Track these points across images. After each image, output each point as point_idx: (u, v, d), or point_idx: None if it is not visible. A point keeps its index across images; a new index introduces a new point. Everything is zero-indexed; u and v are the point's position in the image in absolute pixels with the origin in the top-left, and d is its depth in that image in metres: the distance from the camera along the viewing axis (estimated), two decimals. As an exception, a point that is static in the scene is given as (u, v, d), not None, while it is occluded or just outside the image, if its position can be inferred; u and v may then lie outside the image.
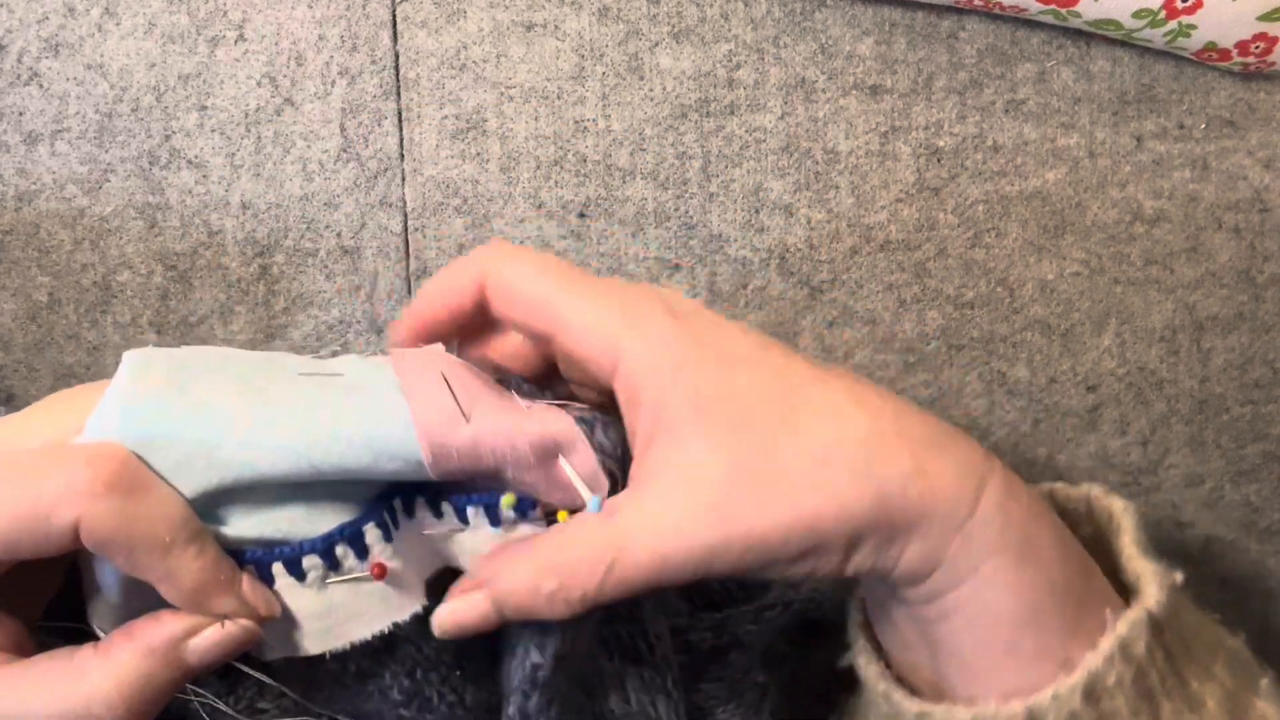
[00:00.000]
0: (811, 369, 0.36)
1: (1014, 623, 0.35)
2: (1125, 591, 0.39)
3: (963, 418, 0.56)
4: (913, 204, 0.55)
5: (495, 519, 0.36)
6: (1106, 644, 0.35)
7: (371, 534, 0.34)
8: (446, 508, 0.36)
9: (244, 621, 0.33)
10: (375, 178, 0.53)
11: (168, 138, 0.52)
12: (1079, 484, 0.45)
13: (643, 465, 0.35)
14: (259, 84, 0.52)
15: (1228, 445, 0.58)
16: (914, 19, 0.54)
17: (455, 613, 0.35)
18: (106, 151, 0.52)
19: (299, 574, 0.34)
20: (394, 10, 0.52)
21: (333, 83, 0.52)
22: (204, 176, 0.52)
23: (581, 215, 0.54)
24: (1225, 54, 0.54)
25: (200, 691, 0.36)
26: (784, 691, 0.46)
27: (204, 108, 0.52)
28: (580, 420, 0.35)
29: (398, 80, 0.53)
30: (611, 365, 0.35)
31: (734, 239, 0.54)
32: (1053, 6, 0.52)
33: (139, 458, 0.32)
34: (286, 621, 0.34)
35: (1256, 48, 0.53)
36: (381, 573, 0.34)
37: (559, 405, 0.36)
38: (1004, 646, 0.35)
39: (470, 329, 0.40)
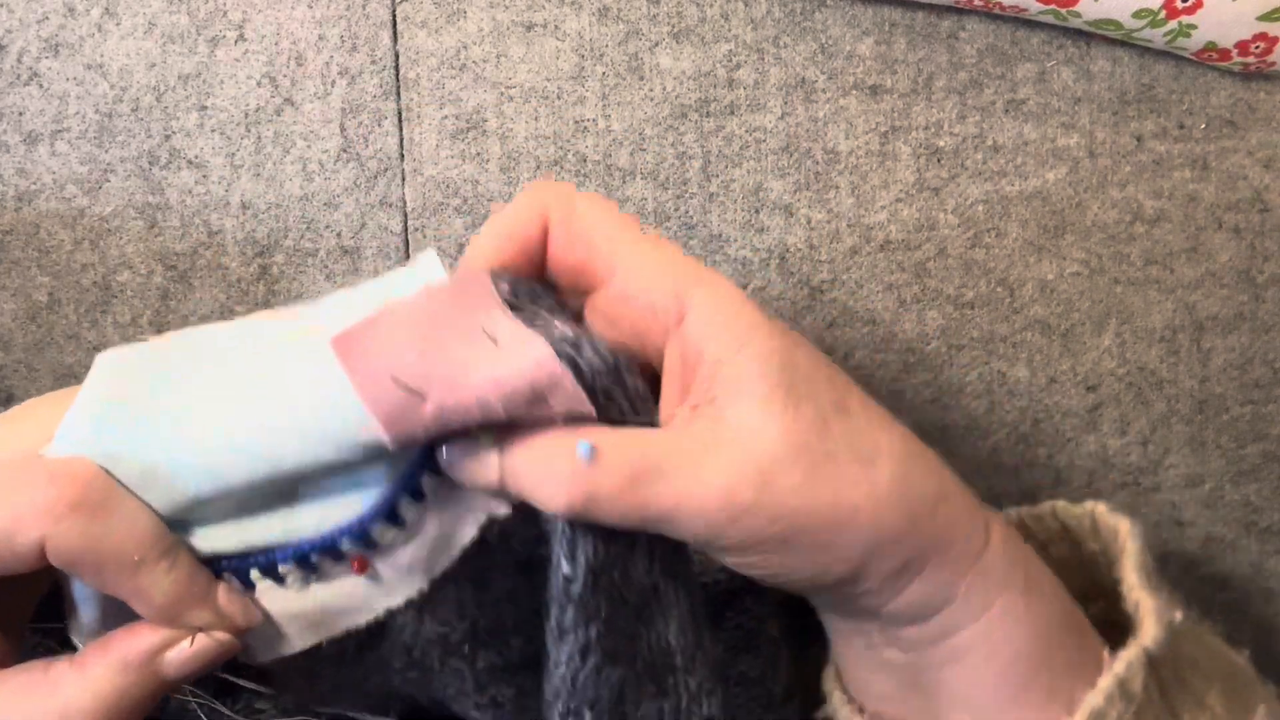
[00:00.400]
0: (850, 379, 0.36)
1: (1029, 659, 0.35)
2: (1124, 618, 0.39)
3: (963, 418, 0.56)
4: (913, 204, 0.55)
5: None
6: (1106, 683, 0.35)
7: (347, 543, 0.33)
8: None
9: (220, 634, 0.32)
10: (375, 178, 0.53)
11: (168, 138, 0.52)
12: (1083, 500, 0.45)
13: (696, 420, 0.34)
14: (259, 84, 0.52)
15: (1228, 445, 0.58)
16: (914, 19, 0.54)
17: (464, 464, 0.33)
18: (106, 151, 0.52)
19: (277, 578, 0.33)
20: (394, 10, 0.52)
21: (333, 83, 0.52)
22: (204, 176, 0.52)
23: (581, 215, 0.54)
24: (1225, 54, 0.54)
25: (198, 692, 0.36)
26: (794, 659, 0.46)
27: (204, 108, 0.52)
28: (563, 342, 0.32)
29: (398, 80, 0.53)
30: (677, 315, 0.34)
31: (734, 239, 0.54)
32: (1053, 6, 0.52)
33: (106, 471, 0.31)
34: (271, 624, 0.33)
35: (1256, 48, 0.53)
36: (362, 567, 0.33)
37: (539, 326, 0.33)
38: (1017, 686, 0.35)
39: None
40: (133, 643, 0.32)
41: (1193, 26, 0.52)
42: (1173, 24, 0.52)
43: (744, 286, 0.54)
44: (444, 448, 0.33)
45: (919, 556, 0.34)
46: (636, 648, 0.38)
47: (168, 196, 0.52)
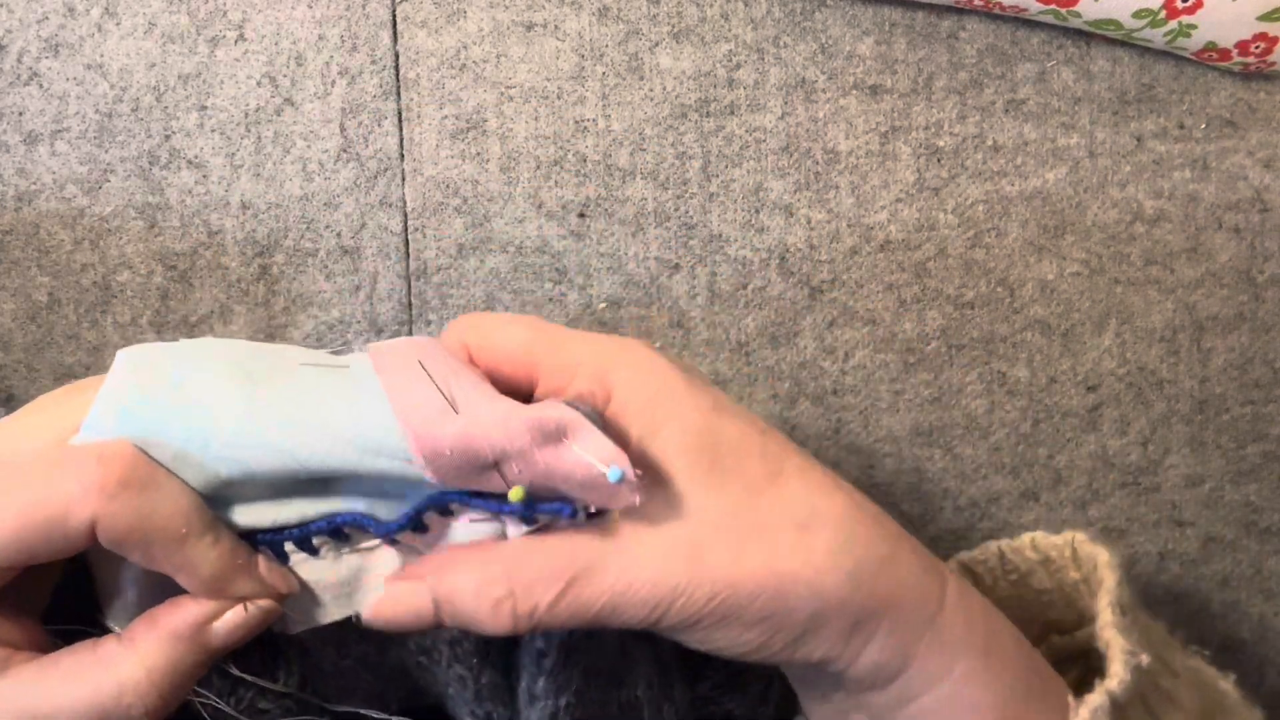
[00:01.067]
0: (790, 443, 0.35)
1: (995, 718, 0.35)
2: (1097, 655, 0.39)
3: (963, 418, 0.56)
4: (913, 204, 0.55)
5: (520, 517, 0.33)
6: None
7: (405, 540, 0.34)
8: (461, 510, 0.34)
9: (264, 601, 0.33)
10: (375, 178, 0.53)
11: (168, 138, 0.52)
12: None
13: None
14: (259, 84, 0.52)
15: (1228, 445, 0.58)
16: (914, 19, 0.54)
17: (390, 601, 0.34)
18: (106, 151, 0.52)
19: (311, 550, 0.34)
20: (394, 10, 0.52)
21: (333, 83, 0.52)
22: (204, 176, 0.52)
23: (581, 215, 0.54)
24: (1225, 54, 0.54)
25: (201, 691, 0.36)
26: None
27: (204, 108, 0.52)
28: (576, 408, 0.33)
29: (398, 80, 0.53)
30: (603, 398, 0.34)
31: (734, 239, 0.54)
32: (1053, 6, 0.52)
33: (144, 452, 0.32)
34: (306, 595, 0.34)
35: (1257, 48, 0.53)
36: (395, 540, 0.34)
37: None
38: None
39: None
40: (180, 615, 0.32)
41: (1193, 26, 0.52)
42: (1173, 24, 0.52)
43: (744, 286, 0.54)
44: (364, 608, 0.34)
45: (868, 620, 0.34)
46: (606, 710, 0.38)
47: (168, 196, 0.52)
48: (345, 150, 0.53)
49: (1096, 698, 0.35)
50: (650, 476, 0.33)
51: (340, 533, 0.33)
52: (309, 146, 0.52)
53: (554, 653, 0.36)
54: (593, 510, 0.32)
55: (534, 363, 0.35)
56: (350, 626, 0.36)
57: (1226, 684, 0.42)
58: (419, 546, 0.34)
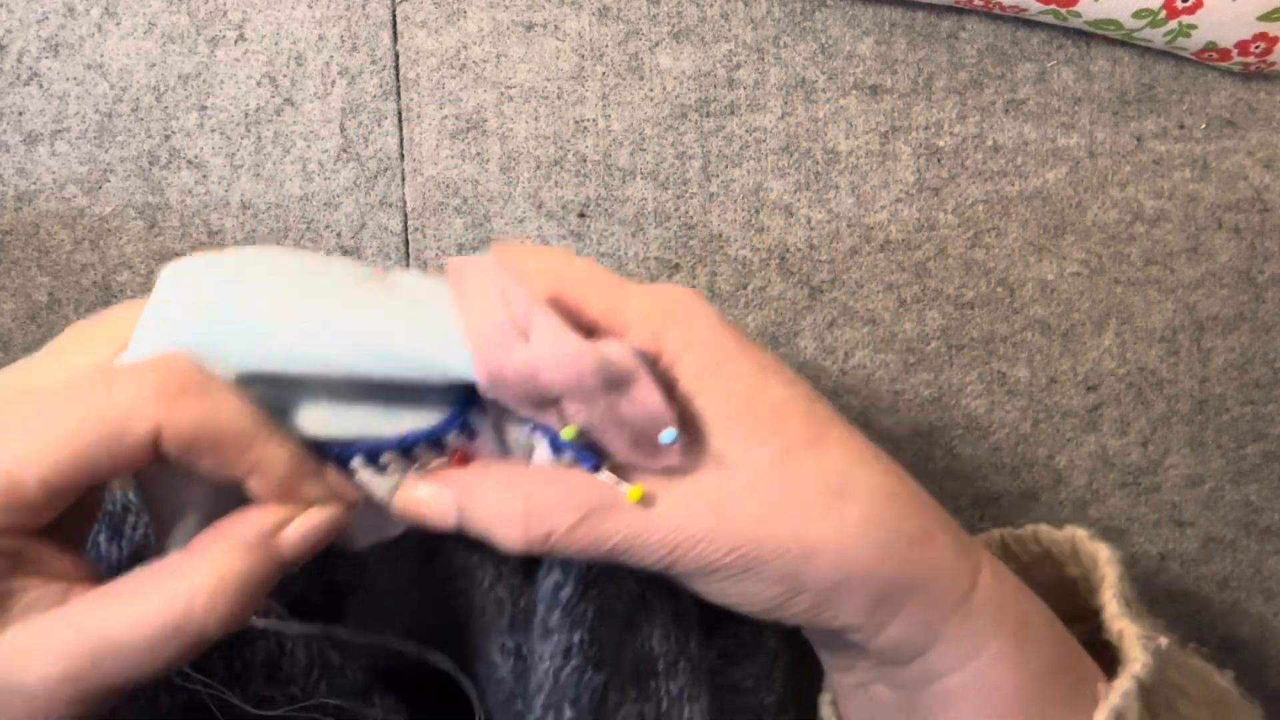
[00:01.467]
0: (836, 413, 0.35)
1: (1023, 702, 0.35)
2: (1106, 644, 0.39)
3: (963, 418, 0.56)
4: (913, 204, 0.55)
5: (556, 449, 0.34)
6: (1102, 716, 0.35)
7: (454, 439, 0.34)
8: (516, 429, 0.34)
9: (333, 508, 0.32)
10: (375, 178, 0.53)
11: (168, 138, 0.52)
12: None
13: None
14: (259, 84, 0.52)
15: (1228, 445, 0.58)
16: (914, 19, 0.54)
17: (419, 499, 0.33)
18: (106, 151, 0.52)
19: (379, 466, 0.33)
20: (394, 10, 0.52)
21: (333, 83, 0.52)
22: (204, 176, 0.52)
23: (581, 215, 0.54)
24: (1225, 54, 0.54)
25: (209, 681, 0.36)
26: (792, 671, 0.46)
27: (204, 108, 0.52)
28: (640, 358, 0.33)
29: (398, 80, 0.53)
30: (655, 351, 0.34)
31: (734, 239, 0.54)
32: (1053, 6, 0.52)
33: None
34: (370, 509, 0.34)
35: (1257, 48, 0.53)
36: (463, 460, 0.34)
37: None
38: None
39: None
40: (248, 524, 0.32)
41: (1193, 26, 0.52)
42: (1173, 24, 0.52)
43: (744, 286, 0.54)
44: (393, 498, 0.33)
45: (894, 595, 0.34)
46: (621, 655, 0.38)
47: (168, 196, 0.52)
48: (345, 150, 0.52)
49: (1124, 682, 0.35)
50: (690, 432, 0.33)
51: (410, 451, 0.33)
52: (309, 146, 0.52)
53: (571, 585, 0.36)
54: (608, 470, 0.33)
55: (583, 303, 0.34)
56: (402, 546, 0.36)
57: (1225, 681, 0.42)
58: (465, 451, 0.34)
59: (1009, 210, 0.55)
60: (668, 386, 0.33)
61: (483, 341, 0.31)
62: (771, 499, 0.33)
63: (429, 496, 0.33)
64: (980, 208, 0.55)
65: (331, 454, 0.33)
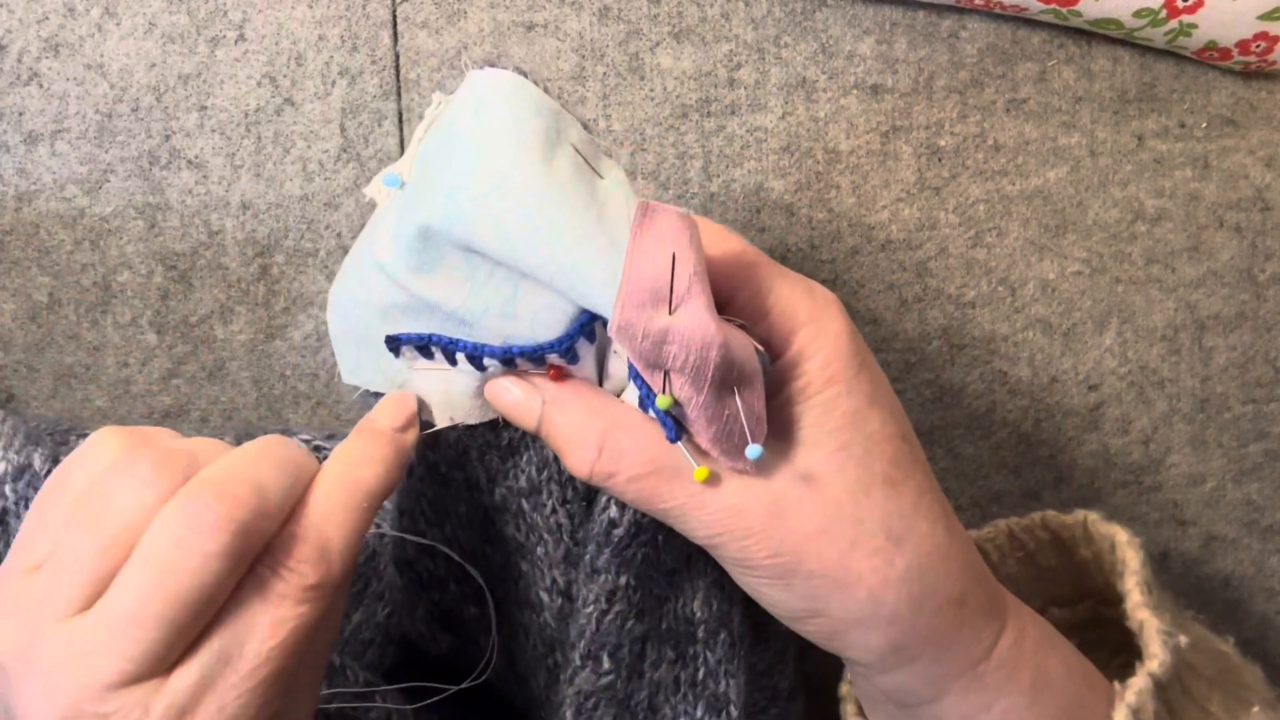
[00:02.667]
0: (924, 462, 0.36)
1: None
2: (1115, 617, 0.39)
3: (964, 417, 0.56)
4: (914, 203, 0.55)
5: (643, 404, 0.35)
6: (1121, 715, 0.35)
7: (555, 358, 0.35)
8: (618, 364, 0.36)
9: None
10: (375, 178, 0.53)
11: (168, 138, 0.52)
12: (1084, 500, 0.45)
13: None
14: (259, 84, 0.52)
15: (1229, 444, 0.58)
16: (915, 18, 0.54)
17: (511, 394, 0.36)
18: (106, 151, 0.52)
19: (480, 367, 0.35)
20: (394, 10, 0.52)
21: (333, 83, 0.52)
22: (204, 176, 0.52)
23: (582, 215, 0.54)
24: (1226, 53, 0.54)
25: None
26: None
27: (204, 108, 0.52)
28: (761, 360, 0.34)
29: (398, 80, 0.53)
30: (780, 349, 0.35)
31: (735, 238, 0.54)
32: (1054, 6, 0.52)
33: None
34: (472, 396, 0.36)
35: (1257, 47, 0.53)
36: (558, 375, 0.35)
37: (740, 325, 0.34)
38: None
39: None
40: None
41: (1193, 25, 0.52)
42: (1173, 23, 0.52)
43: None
44: (490, 383, 0.36)
45: (911, 648, 0.35)
46: (662, 610, 0.39)
47: (168, 196, 0.52)
48: (345, 150, 0.52)
49: (1140, 680, 0.36)
50: (779, 432, 0.34)
51: (511, 362, 0.35)
52: (309, 146, 0.52)
53: (624, 526, 0.37)
54: (686, 444, 0.34)
55: (734, 286, 0.35)
56: (476, 452, 0.38)
57: (1226, 645, 0.43)
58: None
59: (1010, 209, 0.55)
60: (780, 383, 0.34)
61: (632, 293, 0.32)
62: (829, 522, 0.33)
63: (520, 394, 0.35)
64: (981, 207, 0.55)
65: (440, 344, 0.35)
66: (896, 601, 0.34)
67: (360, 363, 0.38)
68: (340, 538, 0.32)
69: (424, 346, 0.36)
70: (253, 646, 0.30)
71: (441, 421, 0.37)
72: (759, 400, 0.33)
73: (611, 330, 0.32)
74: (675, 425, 0.33)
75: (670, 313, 0.32)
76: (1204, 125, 0.57)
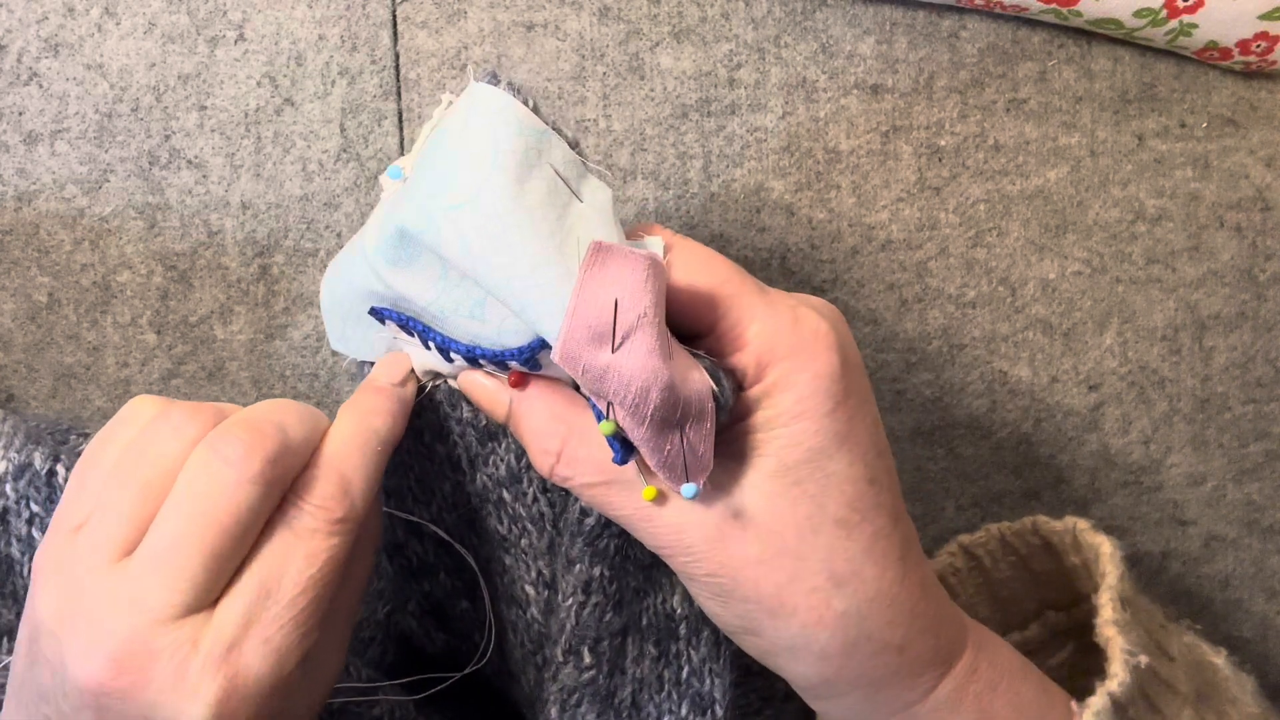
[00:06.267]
0: (887, 510, 0.35)
1: None
2: (1093, 630, 0.39)
3: (964, 417, 0.56)
4: (914, 203, 0.55)
5: (599, 418, 0.35)
6: None
7: (516, 365, 0.35)
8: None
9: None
10: (375, 178, 0.53)
11: (168, 138, 0.52)
12: (1085, 500, 0.45)
13: None
14: (259, 84, 0.52)
15: (1230, 444, 0.58)
16: (915, 18, 0.54)
17: (483, 385, 0.37)
18: (106, 151, 0.52)
19: (448, 358, 0.37)
20: (394, 10, 0.52)
21: (333, 83, 0.52)
22: (204, 176, 0.52)
23: (582, 215, 0.54)
24: (1227, 53, 0.54)
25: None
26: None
27: (204, 108, 0.52)
28: (711, 373, 0.34)
29: (398, 80, 0.53)
30: (752, 378, 0.35)
31: (735, 239, 0.54)
32: (1054, 6, 0.52)
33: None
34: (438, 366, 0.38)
35: (1258, 46, 0.53)
36: (519, 381, 0.36)
37: (694, 353, 0.35)
38: None
39: None
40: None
41: (1194, 25, 0.52)
42: (1174, 23, 0.52)
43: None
44: (460, 376, 0.38)
45: (841, 684, 0.35)
46: (642, 605, 0.40)
47: (168, 196, 0.52)
48: (345, 150, 0.52)
49: (1098, 700, 0.36)
50: (738, 457, 0.34)
51: (476, 361, 0.36)
52: (309, 146, 0.52)
53: (595, 516, 0.37)
54: (635, 463, 0.35)
55: (715, 316, 0.35)
56: (457, 426, 0.39)
57: (1218, 658, 0.43)
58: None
59: (1010, 209, 0.55)
60: (748, 410, 0.35)
61: (574, 329, 0.32)
62: (770, 555, 0.34)
63: (491, 387, 0.37)
64: (981, 207, 0.55)
65: (416, 328, 0.37)
66: (829, 640, 0.34)
67: (346, 333, 0.40)
68: (359, 477, 0.34)
69: (404, 325, 0.37)
70: (291, 578, 0.32)
71: (426, 378, 0.39)
72: (705, 442, 0.33)
73: (554, 358, 0.33)
74: (623, 448, 0.34)
75: (612, 352, 0.32)
76: (1204, 125, 0.57)
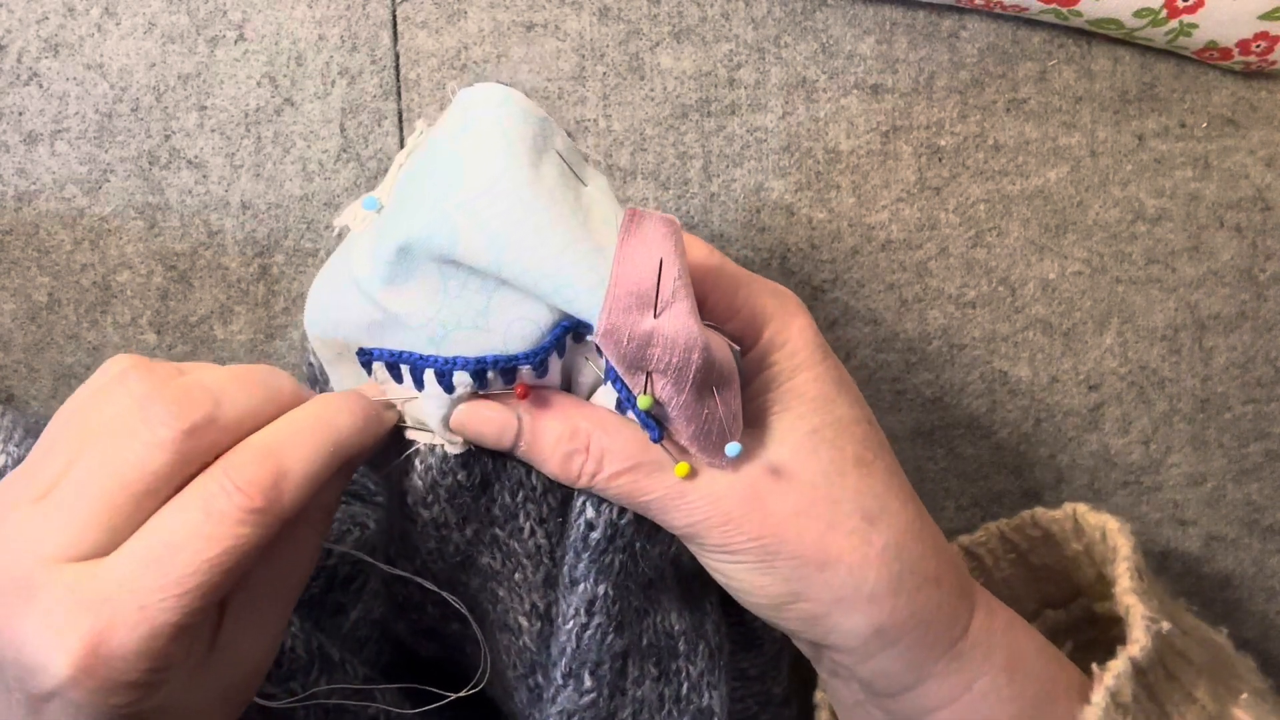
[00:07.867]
0: (889, 446, 0.37)
1: None
2: (1109, 614, 0.39)
3: (964, 417, 0.56)
4: (914, 203, 0.55)
5: (621, 406, 0.35)
6: (1099, 697, 0.36)
7: (525, 371, 0.35)
8: (595, 361, 0.36)
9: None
10: (375, 178, 0.53)
11: (168, 138, 0.52)
12: (1062, 503, 0.45)
13: None
14: (259, 84, 0.52)
15: (1229, 444, 0.58)
16: (915, 18, 0.54)
17: (487, 416, 0.36)
18: (106, 151, 0.52)
19: (449, 387, 0.35)
20: (394, 10, 0.52)
21: (333, 83, 0.52)
22: (204, 176, 0.52)
23: (582, 215, 0.54)
24: (1226, 53, 0.54)
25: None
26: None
27: (204, 108, 0.52)
28: (736, 358, 0.35)
29: (398, 80, 0.53)
30: (750, 341, 0.36)
31: (735, 239, 0.54)
32: (1054, 5, 0.52)
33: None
34: (429, 419, 0.36)
35: (1258, 46, 0.53)
36: (525, 393, 0.35)
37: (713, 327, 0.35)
38: None
39: None
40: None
41: (1194, 25, 0.52)
42: (1174, 23, 0.52)
43: (745, 286, 0.54)
44: (464, 406, 0.36)
45: (894, 628, 0.35)
46: (643, 625, 0.39)
47: (168, 196, 0.52)
48: (345, 150, 0.52)
49: (1120, 664, 0.36)
50: (753, 420, 0.35)
51: (482, 376, 0.35)
52: (309, 146, 0.52)
53: (600, 529, 0.37)
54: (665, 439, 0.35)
55: (705, 290, 0.36)
56: (446, 493, 0.38)
57: (1221, 637, 0.43)
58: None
59: (1010, 209, 0.55)
60: (752, 374, 0.36)
61: (619, 297, 0.32)
62: (806, 504, 0.34)
63: (494, 414, 0.36)
64: (981, 207, 0.55)
65: (410, 361, 0.35)
66: (876, 580, 0.34)
67: (343, 378, 0.39)
68: (300, 471, 0.32)
69: (394, 366, 0.36)
70: (185, 555, 0.30)
71: (412, 433, 0.37)
72: (735, 399, 0.34)
73: (598, 334, 0.33)
74: (656, 424, 0.34)
75: (655, 316, 0.33)
76: (1204, 125, 0.57)
